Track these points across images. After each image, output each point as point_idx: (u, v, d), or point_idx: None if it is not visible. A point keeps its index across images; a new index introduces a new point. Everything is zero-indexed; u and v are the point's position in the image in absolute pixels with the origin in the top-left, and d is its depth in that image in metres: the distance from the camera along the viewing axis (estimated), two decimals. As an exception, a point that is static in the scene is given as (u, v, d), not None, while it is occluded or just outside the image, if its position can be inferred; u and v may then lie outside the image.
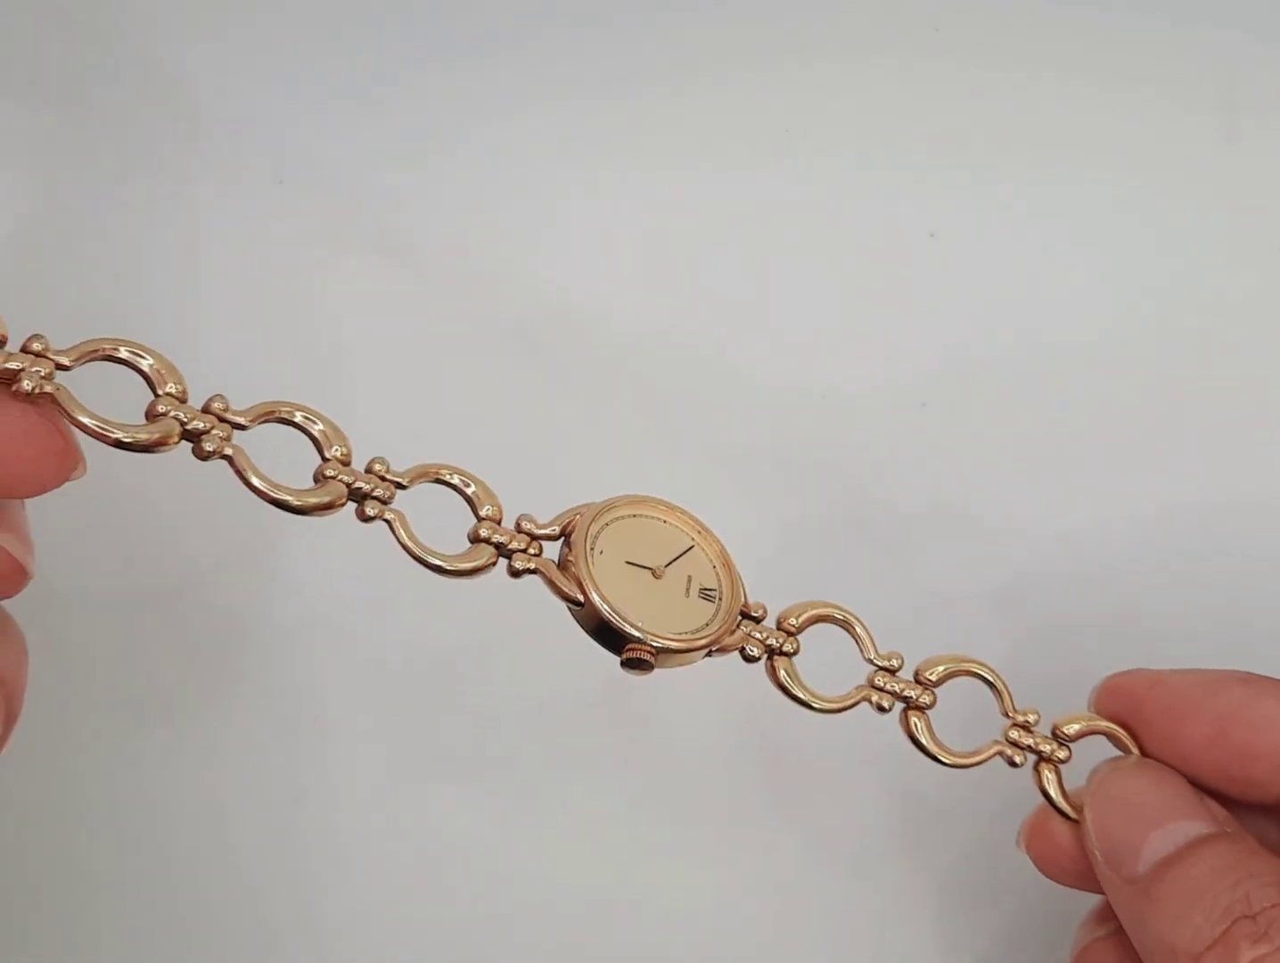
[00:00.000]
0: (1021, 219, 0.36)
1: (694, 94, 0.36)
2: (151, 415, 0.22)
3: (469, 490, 0.24)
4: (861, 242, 0.36)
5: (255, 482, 0.22)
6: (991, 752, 0.26)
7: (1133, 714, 0.26)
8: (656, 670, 0.24)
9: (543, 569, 0.24)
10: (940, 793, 0.33)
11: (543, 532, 0.24)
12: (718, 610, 0.25)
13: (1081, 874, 0.26)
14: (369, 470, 0.24)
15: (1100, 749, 0.26)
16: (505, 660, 0.33)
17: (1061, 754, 0.26)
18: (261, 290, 0.35)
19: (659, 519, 0.25)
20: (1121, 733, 0.26)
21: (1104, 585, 0.34)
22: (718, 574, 0.25)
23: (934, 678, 0.26)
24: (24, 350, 0.22)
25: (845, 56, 0.36)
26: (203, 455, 0.22)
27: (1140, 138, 0.36)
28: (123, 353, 0.23)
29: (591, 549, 0.24)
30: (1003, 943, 0.32)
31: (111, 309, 0.34)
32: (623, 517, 0.25)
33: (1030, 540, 0.34)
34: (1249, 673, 0.25)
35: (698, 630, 0.24)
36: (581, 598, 0.24)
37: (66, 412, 0.22)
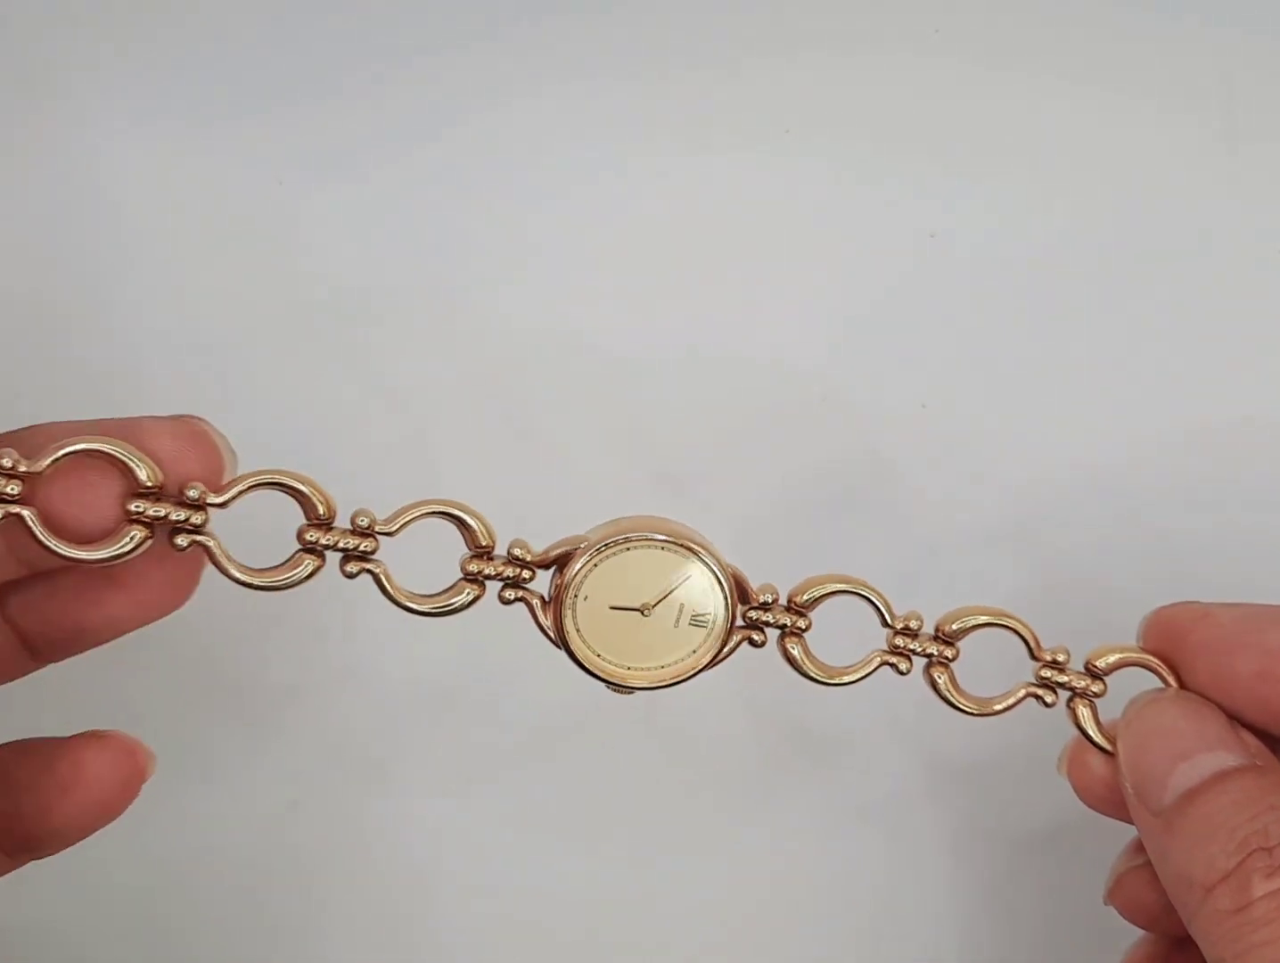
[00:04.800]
0: (1022, 219, 0.35)
1: (692, 95, 0.36)
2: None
3: (463, 523, 0.24)
4: (862, 241, 0.36)
5: (234, 572, 0.23)
6: (1021, 695, 0.26)
7: (1178, 647, 0.25)
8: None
9: (528, 602, 0.25)
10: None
11: (535, 560, 0.25)
12: (707, 636, 0.25)
13: (1120, 805, 0.25)
14: (353, 525, 0.24)
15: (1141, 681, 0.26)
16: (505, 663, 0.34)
17: (1096, 688, 0.26)
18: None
19: (657, 547, 0.25)
20: (1157, 664, 0.25)
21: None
22: (712, 596, 0.25)
23: (955, 631, 0.25)
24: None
25: (846, 57, 0.36)
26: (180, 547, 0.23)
27: (1141, 137, 0.35)
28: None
29: (575, 596, 0.25)
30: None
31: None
32: (617, 552, 0.25)
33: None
34: (1298, 609, 0.25)
35: (679, 660, 0.25)
36: (559, 643, 0.25)
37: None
